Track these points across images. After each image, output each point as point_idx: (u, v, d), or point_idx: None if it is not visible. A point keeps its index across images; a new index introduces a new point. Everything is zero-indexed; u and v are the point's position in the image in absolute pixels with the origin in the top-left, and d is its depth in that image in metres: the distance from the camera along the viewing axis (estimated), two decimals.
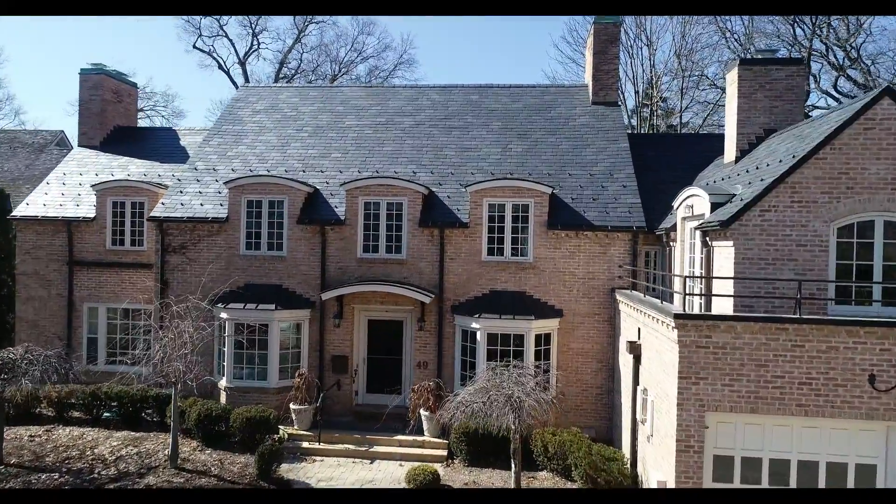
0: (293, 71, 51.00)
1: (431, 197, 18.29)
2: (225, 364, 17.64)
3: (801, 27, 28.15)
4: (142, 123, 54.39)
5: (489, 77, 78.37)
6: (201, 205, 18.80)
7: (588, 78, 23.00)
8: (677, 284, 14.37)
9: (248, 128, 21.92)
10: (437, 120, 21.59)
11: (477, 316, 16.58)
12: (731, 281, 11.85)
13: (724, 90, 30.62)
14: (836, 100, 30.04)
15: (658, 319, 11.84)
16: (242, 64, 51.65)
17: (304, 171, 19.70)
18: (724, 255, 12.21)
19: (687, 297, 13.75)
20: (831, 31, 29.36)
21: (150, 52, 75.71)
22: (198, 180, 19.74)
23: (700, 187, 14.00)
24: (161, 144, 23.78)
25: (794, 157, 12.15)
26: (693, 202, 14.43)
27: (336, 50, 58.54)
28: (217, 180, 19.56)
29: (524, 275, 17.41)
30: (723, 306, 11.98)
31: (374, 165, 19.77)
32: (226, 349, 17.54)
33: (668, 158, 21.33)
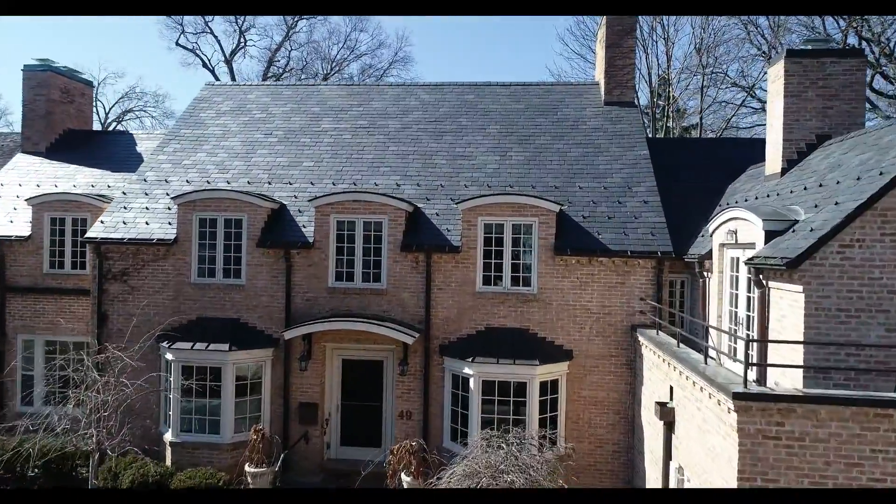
0: (281, 70, 48.28)
1: (417, 215, 15.47)
2: (171, 414, 14.82)
3: (834, 18, 25.26)
4: (132, 126, 51.79)
5: (489, 75, 75.51)
6: (147, 223, 15.98)
7: (599, 75, 20.17)
8: (723, 342, 11.52)
9: (211, 132, 19.10)
10: (427, 123, 18.78)
11: (470, 360, 13.75)
12: (799, 340, 9.00)
13: (748, 90, 27.79)
14: (870, 101, 27.18)
15: (702, 387, 9.01)
16: (229, 62, 48.93)
17: (269, 183, 16.89)
18: (789, 303, 9.37)
19: (732, 358, 10.92)
20: (865, 24, 26.48)
21: (137, 50, 73.01)
22: (146, 194, 16.93)
23: (747, 209, 11.15)
24: (116, 150, 20.98)
25: (880, 173, 9.31)
26: (737, 226, 11.59)
27: (328, 48, 55.72)
28: (168, 194, 16.74)
29: (527, 308, 14.58)
30: (790, 375, 9.13)
31: (351, 176, 16.96)
32: (172, 396, 14.72)
33: (692, 167, 18.50)
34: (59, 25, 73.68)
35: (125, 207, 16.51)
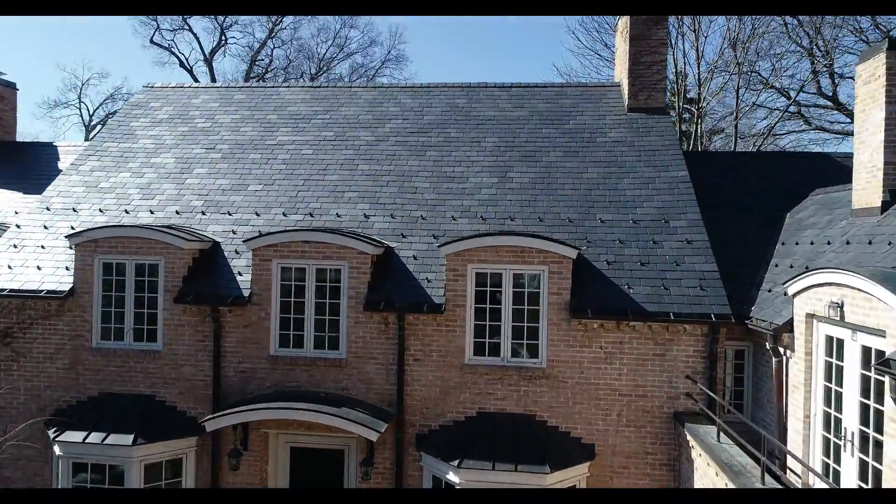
0: (263, 69, 44.63)
1: (388, 258, 11.77)
2: None
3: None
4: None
5: (489, 73, 71.47)
6: (38, 268, 12.29)
7: (620, 74, 16.45)
8: (814, 453, 7.71)
9: (141, 145, 15.41)
10: (407, 134, 15.07)
11: (456, 462, 10.02)
12: None
13: (782, 92, 23.99)
14: None
15: None
16: (209, 61, 45.27)
17: (204, 213, 13.20)
18: None
19: (826, 482, 7.18)
20: None
21: (122, 49, 69.35)
22: (45, 227, 13.24)
23: (868, 276, 7.37)
24: (33, 167, 17.31)
25: None
26: (843, 297, 7.86)
27: (316, 45, 51.99)
28: (73, 227, 13.06)
29: (533, 388, 10.88)
30: None
31: (308, 204, 13.26)
32: None
33: (735, 188, 14.82)
34: (39, 24, 70.05)
35: (15, 246, 12.82)
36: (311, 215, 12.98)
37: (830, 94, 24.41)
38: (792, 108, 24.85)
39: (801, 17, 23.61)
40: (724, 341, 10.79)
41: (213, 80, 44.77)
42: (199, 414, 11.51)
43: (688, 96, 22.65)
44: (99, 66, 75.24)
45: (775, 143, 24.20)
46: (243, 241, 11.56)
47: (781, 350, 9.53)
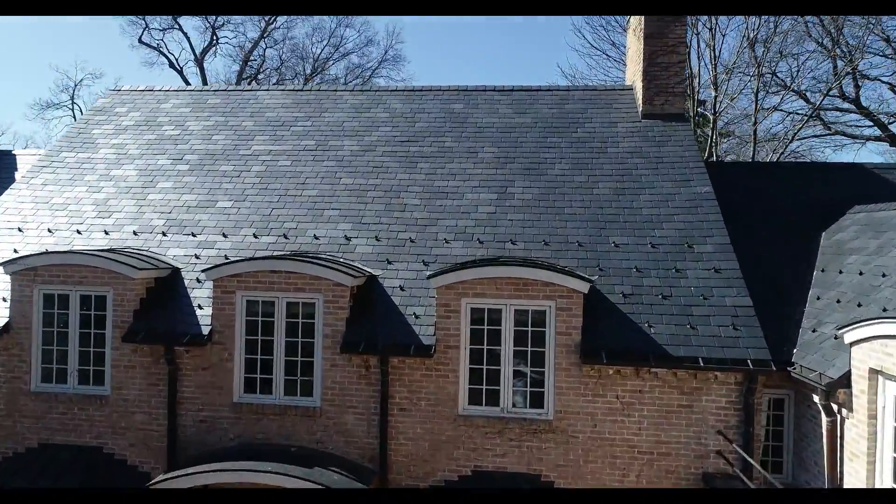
0: (255, 70, 43.13)
1: (370, 289, 10.24)
2: None
3: None
4: None
5: (489, 72, 69.67)
6: None
7: (632, 76, 14.91)
8: None
9: (101, 155, 13.89)
10: (396, 144, 13.54)
11: None
12: None
13: (801, 95, 22.39)
14: None
15: None
16: (199, 62, 43.78)
17: (165, 234, 11.67)
18: None
19: None
20: None
21: (115, 49, 67.86)
22: None
23: None
24: None
25: None
26: None
27: (310, 45, 50.41)
28: (17, 250, 11.53)
29: (538, 443, 9.34)
30: None
31: (282, 223, 11.73)
32: None
33: (760, 202, 13.29)
34: (32, 24, 68.57)
35: None
36: (286, 237, 11.44)
37: (853, 96, 22.84)
38: (808, 111, 23.30)
39: (822, 17, 22.07)
40: (763, 388, 9.24)
41: (204, 80, 43.32)
42: (151, 469, 9.98)
43: (699, 99, 21.09)
44: (92, 67, 73.75)
45: (789, 148, 22.56)
46: (202, 271, 10.00)
47: (835, 408, 8.00)
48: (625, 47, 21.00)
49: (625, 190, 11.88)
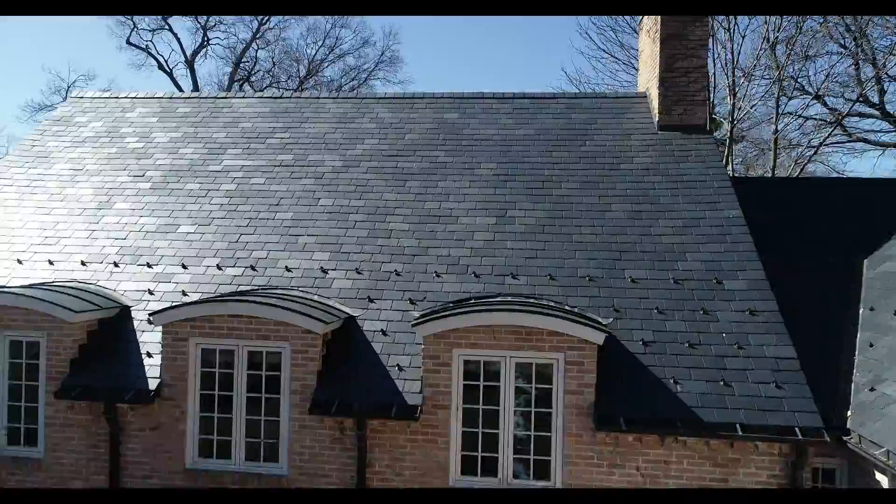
0: (247, 72, 41.74)
1: (347, 334, 8.79)
2: None
3: None
4: None
5: (488, 75, 68.22)
6: None
7: (647, 82, 13.44)
8: None
9: (56, 171, 12.45)
10: (383, 159, 12.09)
11: None
12: None
13: (821, 100, 20.87)
14: None
15: None
16: (190, 63, 42.37)
17: (116, 265, 10.22)
18: None
19: None
20: None
21: (109, 50, 66.47)
22: None
23: None
24: None
25: None
26: None
27: (305, 46, 48.94)
28: None
29: None
30: None
31: (251, 252, 10.28)
32: None
33: (796, 228, 11.79)
34: (23, 24, 67.22)
35: None
36: (254, 268, 9.99)
37: (877, 101, 21.34)
38: (828, 117, 21.82)
39: (843, 17, 20.56)
40: (813, 459, 7.79)
41: (195, 83, 41.98)
42: None
43: (715, 106, 19.61)
44: (85, 68, 72.29)
45: (804, 155, 20.98)
46: (150, 315, 8.53)
47: None
48: (635, 49, 19.59)
49: (641, 213, 10.41)
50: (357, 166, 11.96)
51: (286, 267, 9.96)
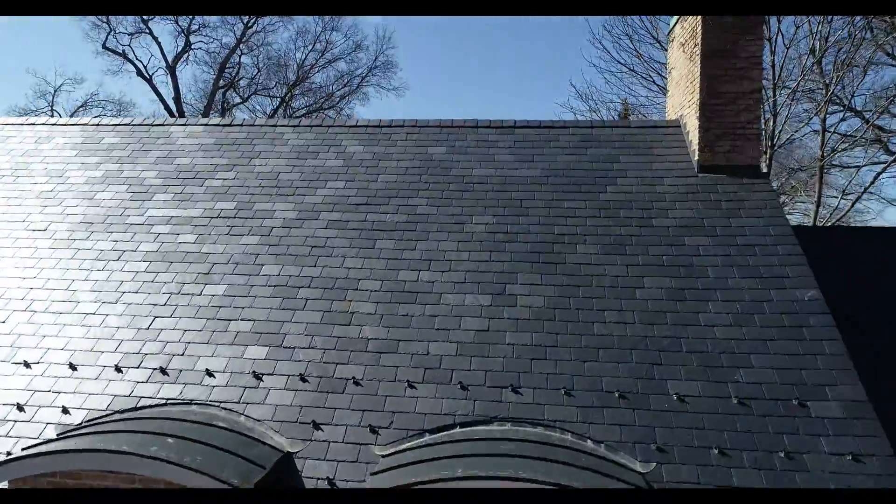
0: (232, 77, 39.26)
1: (280, 480, 6.18)
2: None
3: None
4: None
5: (490, 81, 65.52)
6: None
7: (679, 108, 10.81)
8: None
9: None
10: (348, 209, 9.48)
11: None
12: None
13: (878, 125, 18.18)
14: None
15: None
16: (172, 69, 39.91)
17: None
18: None
19: None
20: None
21: (97, 53, 63.94)
22: None
23: None
24: None
25: None
26: None
27: (294, 50, 46.53)
28: None
29: None
30: None
31: (164, 343, 7.69)
32: None
33: (881, 299, 9.19)
34: (7, 25, 64.76)
35: None
36: (164, 371, 7.40)
37: None
38: (857, 131, 19.17)
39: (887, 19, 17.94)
40: None
41: (177, 90, 39.59)
42: None
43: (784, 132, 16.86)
44: (72, 72, 69.81)
45: (855, 183, 18.46)
46: None
47: None
48: (655, 61, 16.92)
49: (684, 294, 7.81)
50: (315, 219, 9.36)
51: (207, 370, 7.37)
